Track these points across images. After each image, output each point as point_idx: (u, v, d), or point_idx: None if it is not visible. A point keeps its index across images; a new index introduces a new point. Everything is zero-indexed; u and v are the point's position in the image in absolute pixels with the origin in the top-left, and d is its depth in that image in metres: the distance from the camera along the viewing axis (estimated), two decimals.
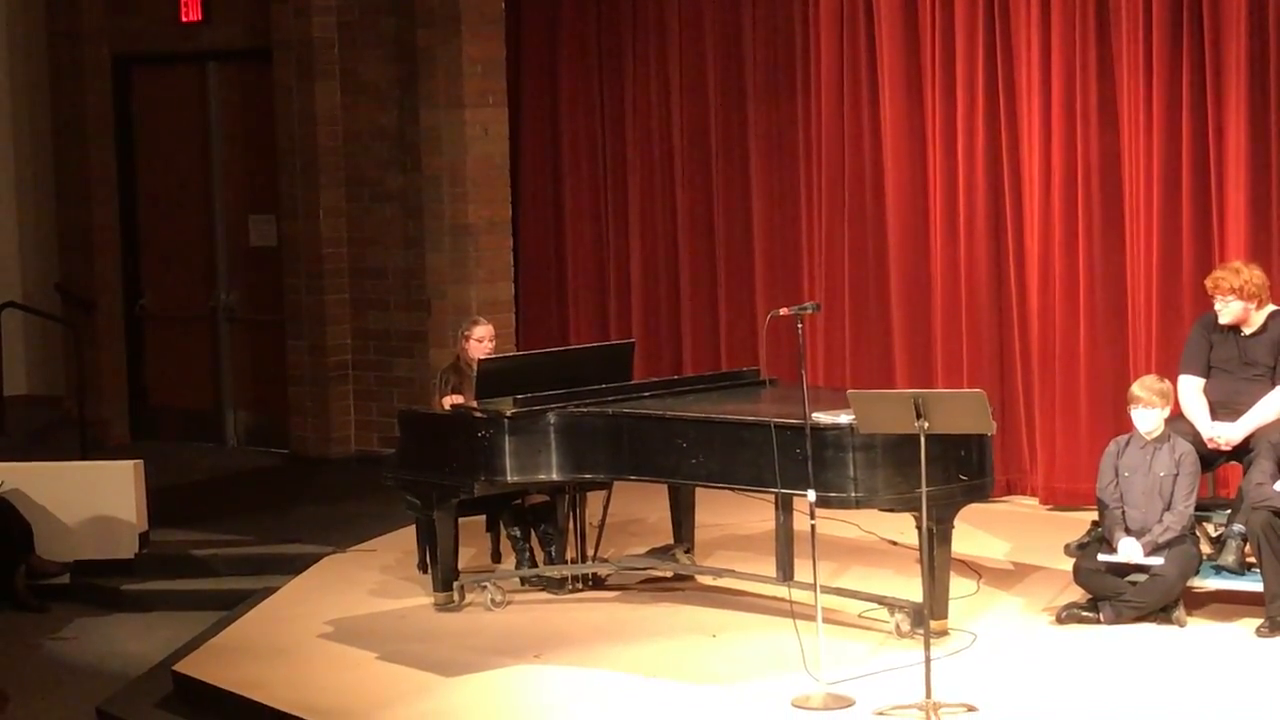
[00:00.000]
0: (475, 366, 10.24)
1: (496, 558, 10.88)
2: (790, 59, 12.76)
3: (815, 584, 8.63)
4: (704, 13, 13.12)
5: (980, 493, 9.32)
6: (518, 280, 13.82)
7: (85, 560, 11.59)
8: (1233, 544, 9.36)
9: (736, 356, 12.80)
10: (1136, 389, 9.48)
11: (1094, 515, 9.74)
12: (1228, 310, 9.75)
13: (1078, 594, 9.52)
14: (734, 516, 11.31)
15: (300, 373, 14.13)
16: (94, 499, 11.64)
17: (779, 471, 9.00)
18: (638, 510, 11.42)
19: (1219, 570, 9.40)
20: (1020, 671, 8.76)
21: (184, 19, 14.63)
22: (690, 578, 10.42)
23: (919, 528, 8.86)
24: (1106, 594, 9.32)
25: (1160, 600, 9.25)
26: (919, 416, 8.24)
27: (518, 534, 10.51)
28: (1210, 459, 9.72)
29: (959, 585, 9.74)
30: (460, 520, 10.18)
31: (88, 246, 14.90)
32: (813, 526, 8.58)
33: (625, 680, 8.85)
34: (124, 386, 15.06)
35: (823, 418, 9.00)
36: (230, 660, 9.52)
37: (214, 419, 14.94)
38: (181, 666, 9.54)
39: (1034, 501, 11.91)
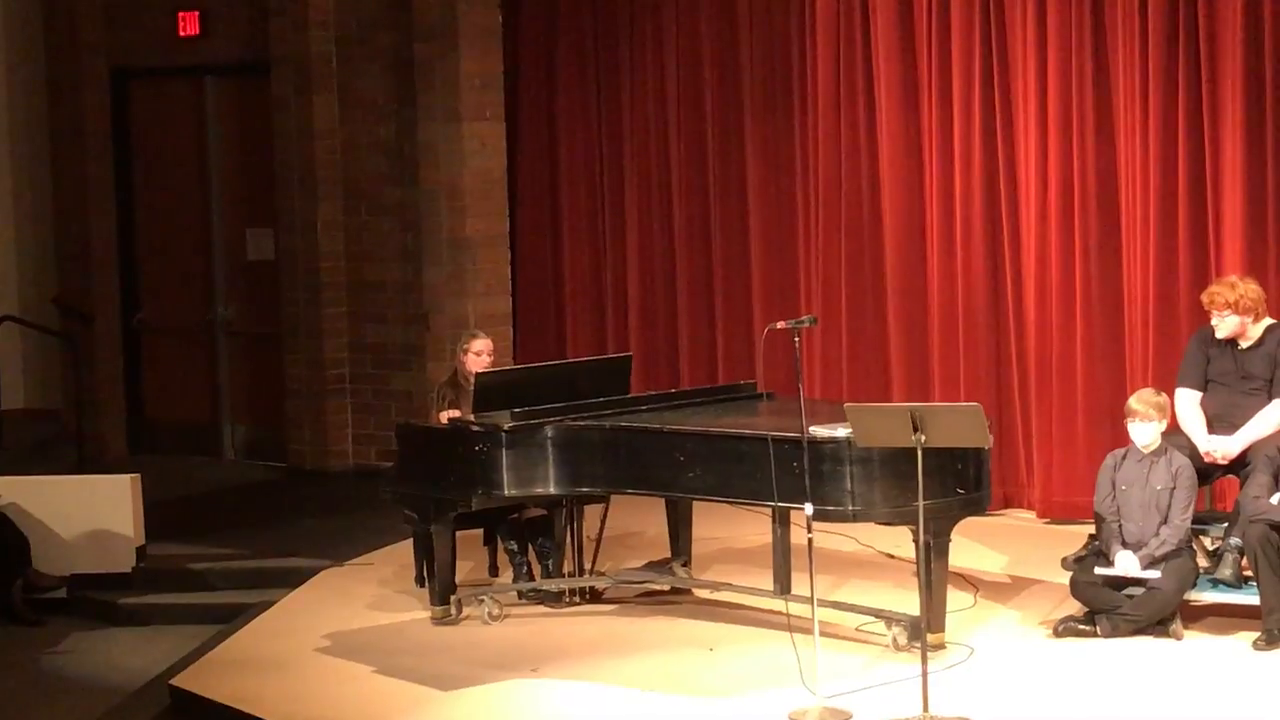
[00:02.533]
0: (473, 380, 10.25)
1: (494, 571, 10.88)
2: (787, 73, 12.76)
3: (812, 597, 8.63)
4: (701, 27, 13.13)
5: (977, 506, 9.32)
6: (515, 294, 13.81)
7: (82, 574, 11.58)
8: (1229, 557, 9.37)
9: (733, 370, 12.78)
10: (1133, 402, 9.48)
11: (1091, 529, 9.74)
12: (1224, 324, 9.75)
13: (1075, 607, 9.51)
14: (731, 530, 11.30)
15: (298, 386, 14.12)
16: (91, 513, 11.63)
17: (776, 485, 9.00)
18: (635, 524, 11.41)
19: (1216, 584, 9.40)
20: (1017, 685, 8.76)
21: (182, 33, 14.63)
22: (687, 591, 10.41)
23: (916, 541, 8.86)
24: (1103, 607, 9.32)
25: (1157, 614, 9.25)
26: (916, 430, 8.25)
27: (515, 548, 10.51)
28: (1207, 472, 9.72)
29: (956, 599, 9.74)
30: (458, 534, 10.19)
31: (85, 260, 14.89)
32: (810, 540, 8.58)
33: (622, 694, 8.85)
34: (121, 400, 15.05)
35: (820, 431, 9.00)
36: (227, 674, 9.51)
37: (211, 432, 14.93)
38: (179, 680, 9.54)
39: (1031, 515, 11.89)
